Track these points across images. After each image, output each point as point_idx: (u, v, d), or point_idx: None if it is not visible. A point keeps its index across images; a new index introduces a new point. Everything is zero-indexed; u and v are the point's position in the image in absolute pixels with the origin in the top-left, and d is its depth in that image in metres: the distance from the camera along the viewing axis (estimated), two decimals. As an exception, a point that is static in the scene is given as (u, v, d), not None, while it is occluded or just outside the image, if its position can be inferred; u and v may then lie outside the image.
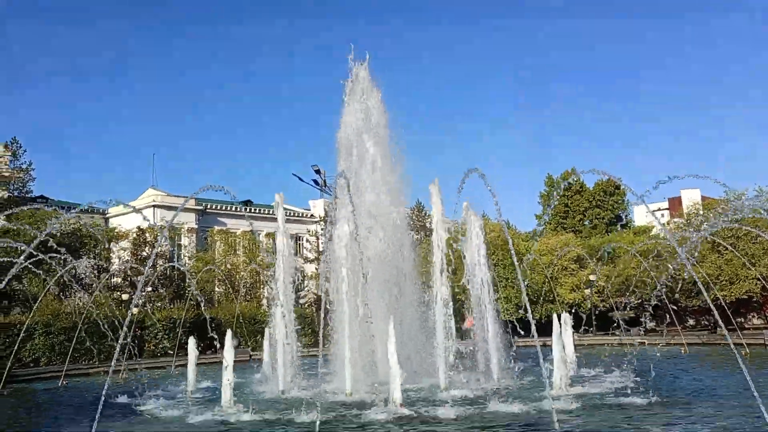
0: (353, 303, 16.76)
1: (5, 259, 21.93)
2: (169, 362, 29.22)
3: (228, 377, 14.22)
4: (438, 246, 17.27)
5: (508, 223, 40.55)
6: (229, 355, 14.70)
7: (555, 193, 68.74)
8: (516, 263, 9.43)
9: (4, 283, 18.64)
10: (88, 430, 11.47)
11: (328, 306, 16.71)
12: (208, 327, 19.59)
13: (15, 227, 39.22)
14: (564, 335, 17.26)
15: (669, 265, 21.35)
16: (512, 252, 10.08)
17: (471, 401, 13.48)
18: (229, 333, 15.76)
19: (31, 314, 29.00)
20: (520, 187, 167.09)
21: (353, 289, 16.98)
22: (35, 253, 17.38)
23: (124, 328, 9.97)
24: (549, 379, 8.18)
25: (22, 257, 13.01)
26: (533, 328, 7.82)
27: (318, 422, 6.88)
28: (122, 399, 16.33)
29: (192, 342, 20.63)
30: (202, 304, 25.68)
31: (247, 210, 70.03)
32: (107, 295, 38.14)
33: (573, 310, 29.21)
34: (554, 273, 44.69)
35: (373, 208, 20.31)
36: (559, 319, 16.94)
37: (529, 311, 9.11)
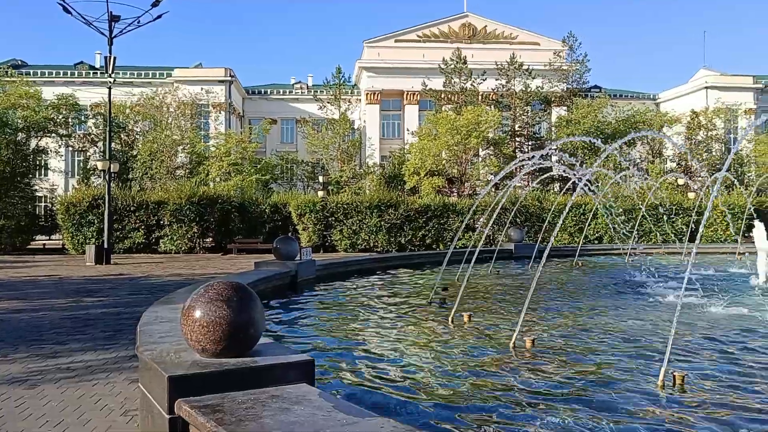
0: None
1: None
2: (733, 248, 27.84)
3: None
4: None
5: None
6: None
7: None
8: None
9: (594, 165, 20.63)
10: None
11: None
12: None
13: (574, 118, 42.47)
14: None
15: None
16: None
17: None
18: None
19: (601, 195, 31.39)
20: None
21: None
22: (593, 141, 18.54)
23: (700, 214, 9.83)
24: None
25: (610, 147, 13.41)
26: None
27: None
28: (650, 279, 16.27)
29: (760, 227, 18.97)
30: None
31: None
32: (662, 180, 38.59)
33: None
34: None
35: None
36: None
37: None
